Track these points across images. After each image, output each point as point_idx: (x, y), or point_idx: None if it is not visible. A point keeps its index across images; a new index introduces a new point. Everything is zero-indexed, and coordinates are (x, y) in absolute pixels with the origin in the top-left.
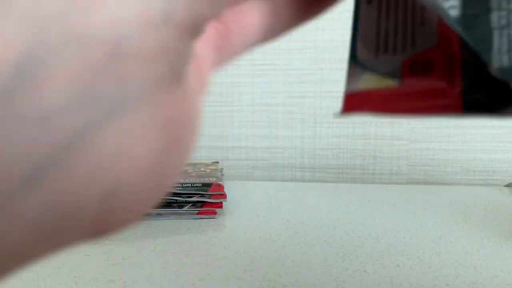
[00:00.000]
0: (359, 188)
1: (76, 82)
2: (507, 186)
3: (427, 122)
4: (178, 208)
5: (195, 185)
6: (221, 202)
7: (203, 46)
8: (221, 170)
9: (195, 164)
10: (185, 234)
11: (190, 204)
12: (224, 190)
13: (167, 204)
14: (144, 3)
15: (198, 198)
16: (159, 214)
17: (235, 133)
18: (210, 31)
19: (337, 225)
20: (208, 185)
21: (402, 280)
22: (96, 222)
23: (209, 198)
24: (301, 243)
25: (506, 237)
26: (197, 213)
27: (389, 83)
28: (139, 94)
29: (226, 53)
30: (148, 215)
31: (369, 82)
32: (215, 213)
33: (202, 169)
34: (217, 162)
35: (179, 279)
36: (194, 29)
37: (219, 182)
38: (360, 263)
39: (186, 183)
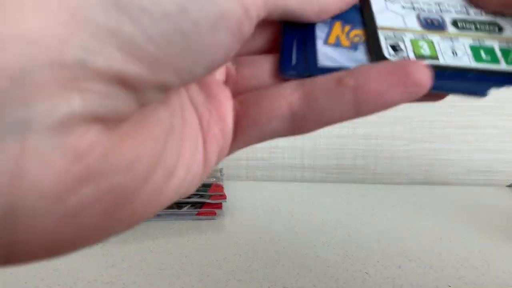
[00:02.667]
0: (360, 188)
1: None
2: (509, 186)
3: (429, 122)
4: (177, 208)
5: None
6: (221, 203)
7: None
8: (221, 170)
9: None
10: (184, 235)
11: (189, 205)
12: (224, 190)
13: None
14: (59, 48)
15: (197, 199)
16: (158, 215)
17: None
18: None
19: (338, 225)
20: (207, 185)
21: (403, 281)
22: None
23: (209, 199)
24: (301, 244)
25: (507, 238)
26: (197, 214)
27: None
28: (44, 120)
29: (234, 143)
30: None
31: None
32: (214, 213)
33: None
34: None
35: (179, 281)
36: (125, 81)
37: (218, 183)
38: (361, 264)
39: None
